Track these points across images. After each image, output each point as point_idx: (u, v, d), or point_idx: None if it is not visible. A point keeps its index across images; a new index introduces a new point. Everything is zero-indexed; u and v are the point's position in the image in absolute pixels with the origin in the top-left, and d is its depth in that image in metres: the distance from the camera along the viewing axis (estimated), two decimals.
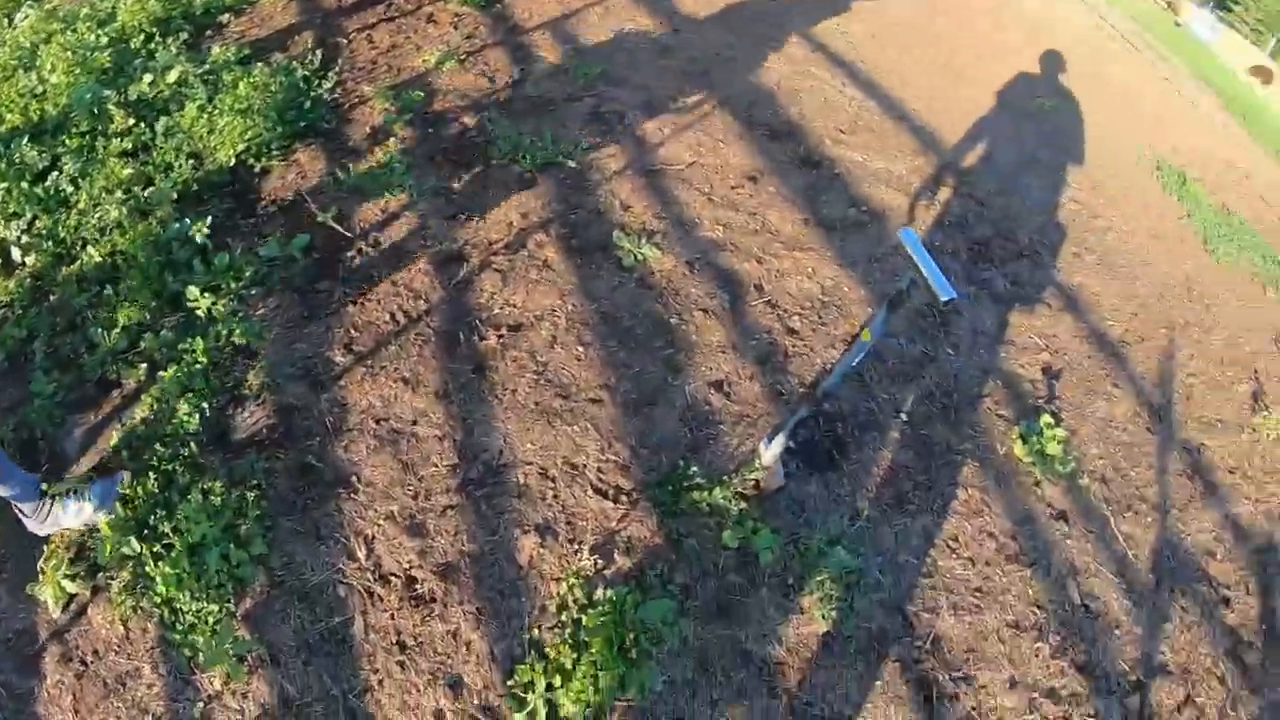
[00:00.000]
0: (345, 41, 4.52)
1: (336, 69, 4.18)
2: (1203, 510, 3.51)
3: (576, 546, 2.61)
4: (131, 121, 3.61)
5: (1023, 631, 2.81)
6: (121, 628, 2.27)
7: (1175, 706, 2.84)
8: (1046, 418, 3.36)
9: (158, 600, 2.29)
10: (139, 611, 2.30)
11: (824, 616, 2.61)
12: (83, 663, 2.24)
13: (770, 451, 2.72)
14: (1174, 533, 3.35)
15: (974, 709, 2.59)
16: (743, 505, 2.78)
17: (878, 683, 2.55)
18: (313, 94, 3.96)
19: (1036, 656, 2.76)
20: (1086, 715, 2.68)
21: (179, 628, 2.26)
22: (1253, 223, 6.19)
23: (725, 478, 2.84)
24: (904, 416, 3.31)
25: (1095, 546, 3.14)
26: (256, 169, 3.59)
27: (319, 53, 4.21)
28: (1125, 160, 6.02)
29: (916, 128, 5.12)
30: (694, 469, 2.85)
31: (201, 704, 2.18)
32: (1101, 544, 3.16)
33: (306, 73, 4.06)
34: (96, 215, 3.24)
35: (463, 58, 4.44)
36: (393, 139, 3.81)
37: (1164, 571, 3.20)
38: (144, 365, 2.83)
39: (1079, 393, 3.74)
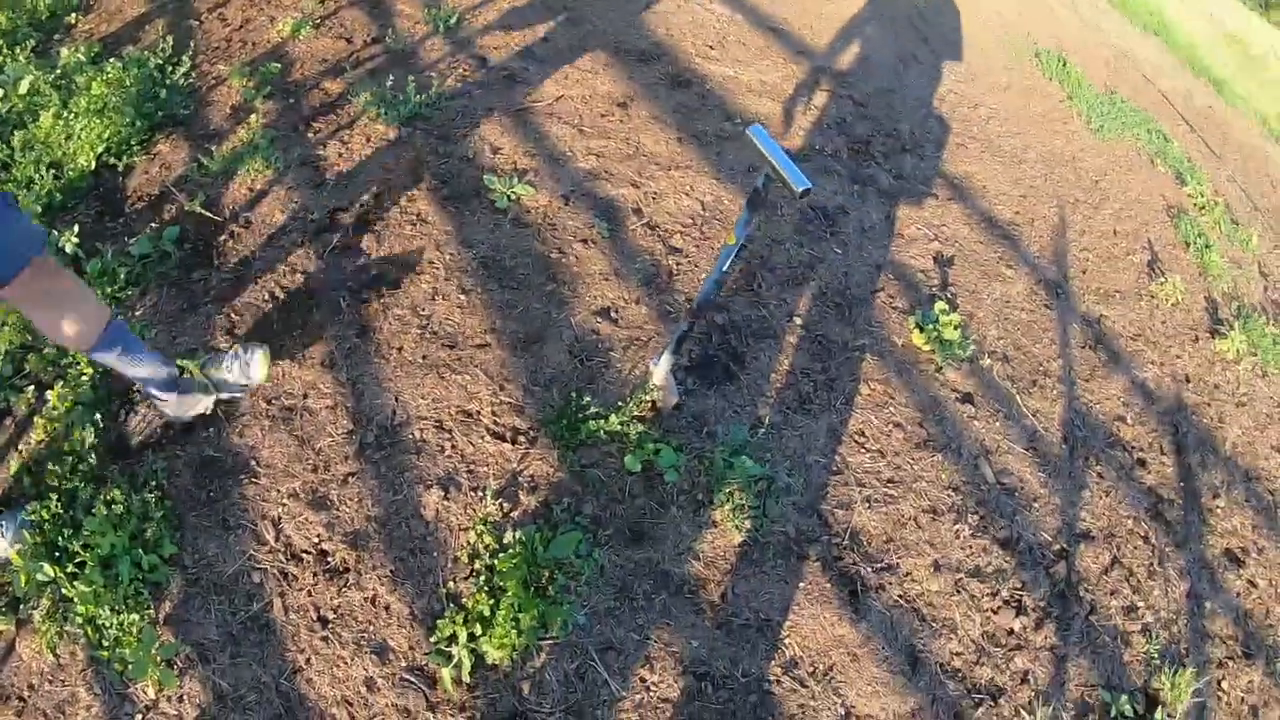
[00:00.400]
0: (197, 24, 4.34)
1: (190, 53, 4.01)
2: (1109, 378, 3.56)
3: (480, 494, 2.56)
4: None
5: (940, 515, 2.83)
6: (51, 655, 2.18)
7: (1102, 570, 2.88)
8: (941, 304, 3.37)
9: (80, 621, 2.21)
10: (65, 636, 2.21)
11: (737, 527, 2.61)
12: (21, 699, 2.15)
13: (659, 370, 2.69)
14: (1082, 403, 3.40)
15: (901, 597, 2.60)
16: (641, 428, 2.75)
17: (801, 584, 2.55)
18: (168, 82, 3.80)
19: (957, 538, 2.79)
20: (1014, 589, 2.71)
21: (105, 644, 2.18)
22: (1135, 100, 6.28)
23: (620, 404, 2.81)
24: (798, 320, 3.29)
25: (1004, 425, 3.17)
26: (119, 168, 3.44)
27: (170, 39, 4.04)
28: (1003, 49, 6.06)
29: (788, 38, 5.07)
30: (588, 399, 2.81)
31: (140, 716, 2.11)
32: (1010, 421, 3.19)
33: (160, 61, 3.89)
34: None
35: (318, 23, 4.28)
36: (254, 115, 3.68)
37: (1076, 441, 3.25)
38: (31, 387, 2.70)
39: (973, 277, 3.76)
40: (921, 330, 3.32)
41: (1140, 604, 2.84)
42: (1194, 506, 3.24)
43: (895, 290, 3.56)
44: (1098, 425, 3.34)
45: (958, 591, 2.66)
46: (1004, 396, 3.27)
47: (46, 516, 2.39)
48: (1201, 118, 7.04)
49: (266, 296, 3.01)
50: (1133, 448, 3.33)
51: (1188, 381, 3.77)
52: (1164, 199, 5.01)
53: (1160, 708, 2.57)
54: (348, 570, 2.39)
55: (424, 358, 2.88)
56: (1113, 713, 2.52)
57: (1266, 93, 9.70)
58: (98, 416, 2.62)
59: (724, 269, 2.31)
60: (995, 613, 2.65)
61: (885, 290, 3.54)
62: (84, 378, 2.68)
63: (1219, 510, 3.27)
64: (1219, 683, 2.76)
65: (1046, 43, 6.47)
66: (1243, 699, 2.76)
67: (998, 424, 3.17)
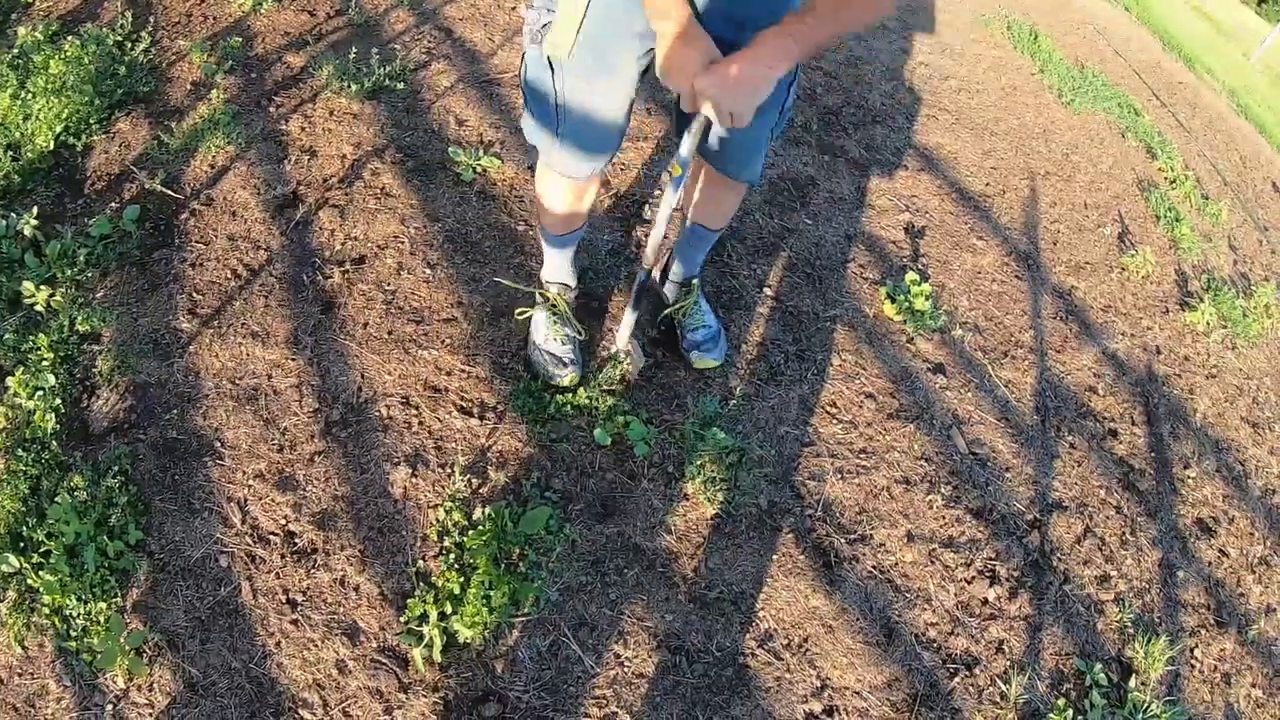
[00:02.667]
0: None
1: (150, 29, 3.93)
2: (1080, 349, 3.56)
3: (449, 470, 2.53)
4: None
5: (913, 486, 2.82)
6: (19, 648, 2.12)
7: (1075, 539, 2.89)
8: (912, 275, 3.36)
9: (47, 611, 2.15)
10: (32, 628, 2.15)
11: (709, 500, 2.58)
12: None
13: (623, 330, 2.66)
14: (1053, 373, 3.40)
15: (875, 567, 2.59)
16: (611, 401, 2.72)
17: (774, 557, 2.54)
18: (127, 59, 3.72)
19: (930, 509, 2.78)
20: (988, 559, 2.71)
21: (73, 634, 2.13)
22: (1106, 74, 6.29)
23: (589, 375, 2.79)
24: (768, 291, 3.27)
25: (976, 395, 3.17)
26: (78, 147, 3.36)
27: (129, 15, 3.95)
28: (974, 21, 6.05)
29: None
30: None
31: (110, 706, 2.06)
32: (982, 392, 3.19)
33: (119, 38, 3.81)
34: None
35: None
36: (216, 91, 3.60)
37: (1048, 411, 3.24)
38: None
39: (944, 248, 3.75)
40: (893, 301, 3.30)
41: (1113, 573, 2.84)
42: (1165, 476, 3.25)
43: (866, 261, 3.54)
44: (1069, 396, 3.35)
45: (931, 562, 2.65)
46: (976, 367, 3.27)
47: (9, 507, 2.34)
48: (1171, 92, 7.07)
49: (229, 274, 2.95)
50: (1104, 418, 3.34)
51: (1158, 353, 3.78)
52: (1135, 172, 5.02)
53: (1135, 676, 2.58)
54: (316, 551, 2.35)
55: (390, 333, 2.84)
56: (1088, 681, 2.53)
57: (1234, 68, 9.77)
58: (59, 402, 2.57)
59: (674, 204, 2.27)
60: (969, 583, 2.64)
61: (856, 261, 3.52)
62: (45, 363, 2.63)
63: (1190, 480, 3.28)
64: (1192, 651, 2.77)
65: (1018, 15, 6.46)
66: (1215, 667, 2.77)
67: (969, 394, 3.16)
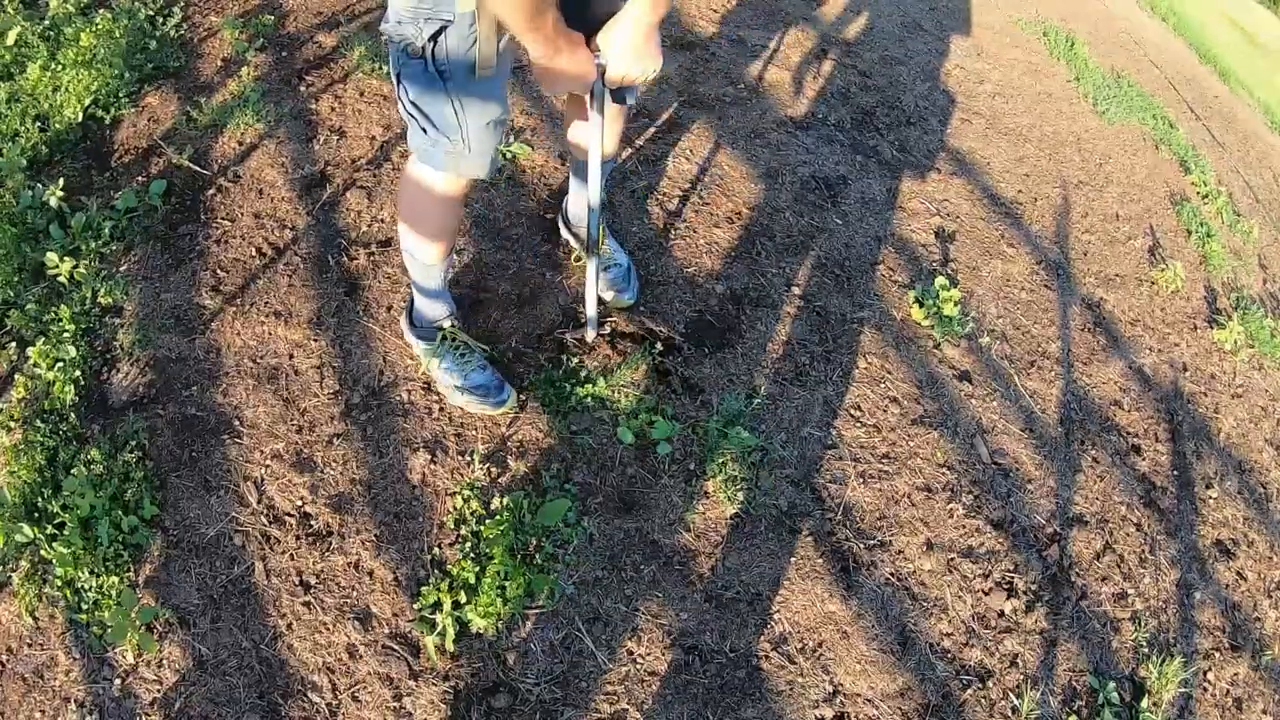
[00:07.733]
0: None
1: (182, 4, 3.94)
2: (1107, 362, 3.52)
3: (468, 458, 2.52)
4: None
5: (934, 494, 2.79)
6: (30, 619, 2.15)
7: (1095, 555, 2.85)
8: (941, 280, 3.32)
9: (59, 583, 2.18)
10: (44, 599, 2.18)
11: (729, 499, 2.57)
12: (0, 664, 2.11)
13: (589, 300, 2.61)
14: (1079, 386, 3.36)
15: (893, 574, 2.56)
16: (634, 395, 2.71)
17: (792, 559, 2.51)
18: (158, 33, 3.74)
19: (951, 517, 2.75)
20: (1006, 571, 2.68)
21: (84, 607, 2.15)
22: (1141, 84, 6.21)
23: (616, 367, 2.78)
24: (796, 290, 3.24)
25: (1001, 404, 3.13)
26: (107, 120, 3.38)
27: None
28: (1010, 26, 5.98)
29: (794, 2, 4.99)
30: (578, 362, 2.77)
31: (119, 680, 2.07)
32: (1008, 401, 3.15)
33: (151, 12, 3.84)
34: None
35: None
36: (246, 68, 3.61)
37: (1072, 424, 3.21)
38: (13, 344, 2.66)
39: (974, 254, 3.71)
40: (921, 305, 3.27)
41: (1130, 591, 2.81)
42: (1187, 496, 3.21)
43: (895, 264, 3.51)
44: (1094, 409, 3.31)
45: (950, 571, 2.62)
46: (1002, 376, 3.23)
47: (25, 477, 2.35)
48: (1206, 106, 6.98)
49: (253, 253, 2.96)
50: (1128, 433, 3.29)
51: (1185, 370, 3.73)
52: (1167, 185, 4.95)
53: (1147, 696, 2.54)
54: (331, 534, 2.36)
55: None
56: (1100, 699, 2.49)
57: (1271, 84, 9.66)
58: (79, 375, 2.58)
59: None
60: (987, 594, 2.61)
61: (885, 263, 3.49)
62: (66, 334, 2.64)
63: (1211, 501, 3.24)
64: (1205, 674, 2.73)
65: (1054, 21, 6.39)
66: (1228, 691, 2.73)
67: (994, 403, 3.13)
